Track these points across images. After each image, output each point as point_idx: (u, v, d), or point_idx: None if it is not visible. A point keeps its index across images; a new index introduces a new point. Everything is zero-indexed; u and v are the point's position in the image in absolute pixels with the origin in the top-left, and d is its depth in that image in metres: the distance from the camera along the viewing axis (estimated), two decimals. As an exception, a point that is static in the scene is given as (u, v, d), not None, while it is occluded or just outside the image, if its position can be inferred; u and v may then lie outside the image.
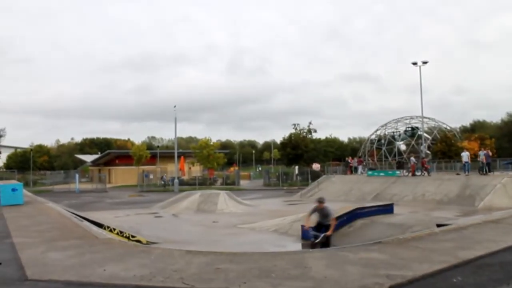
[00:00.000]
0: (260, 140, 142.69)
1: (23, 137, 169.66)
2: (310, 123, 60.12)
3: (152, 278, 5.28)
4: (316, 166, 46.35)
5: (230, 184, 47.99)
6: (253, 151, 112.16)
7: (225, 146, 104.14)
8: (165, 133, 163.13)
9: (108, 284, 5.07)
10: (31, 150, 74.72)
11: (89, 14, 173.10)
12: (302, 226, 12.69)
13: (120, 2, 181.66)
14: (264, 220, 18.17)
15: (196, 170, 57.50)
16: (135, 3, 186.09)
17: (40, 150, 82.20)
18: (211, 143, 55.79)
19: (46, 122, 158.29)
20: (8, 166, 69.76)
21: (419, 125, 52.50)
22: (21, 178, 45.16)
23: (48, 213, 13.82)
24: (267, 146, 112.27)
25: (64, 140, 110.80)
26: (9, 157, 75.87)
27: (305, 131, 58.82)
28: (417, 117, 54.95)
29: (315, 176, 42.86)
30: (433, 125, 56.94)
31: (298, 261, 6.18)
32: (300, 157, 54.14)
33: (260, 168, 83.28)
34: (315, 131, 60.54)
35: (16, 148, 79.50)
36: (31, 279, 5.39)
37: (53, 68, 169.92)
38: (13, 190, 16.38)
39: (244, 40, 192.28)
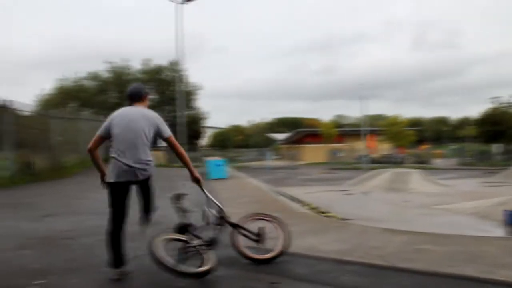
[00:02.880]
0: (452, 116, 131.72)
1: (221, 119, 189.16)
2: (512, 96, 53.09)
3: (351, 253, 5.39)
4: (523, 144, 40.80)
5: (421, 163, 45.58)
6: (445, 128, 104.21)
7: (414, 123, 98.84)
8: (351, 111, 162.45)
9: (308, 255, 5.34)
10: (229, 130, 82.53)
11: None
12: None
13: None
14: (460, 202, 16.81)
15: (385, 148, 56.03)
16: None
17: (236, 129, 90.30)
18: (400, 120, 53.75)
19: (240, 104, 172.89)
20: (211, 144, 78.59)
21: None
22: (221, 155, 50.13)
23: (249, 187, 15.16)
24: (461, 122, 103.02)
25: (255, 120, 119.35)
26: (211, 137, 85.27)
27: (507, 105, 52.15)
28: None
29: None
30: None
31: (510, 248, 5.60)
32: (501, 134, 48.31)
33: (454, 146, 77.05)
34: (520, 104, 53.15)
35: (216, 128, 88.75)
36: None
37: (244, 55, 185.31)
38: (217, 165, 18.36)
39: (427, 13, 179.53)
